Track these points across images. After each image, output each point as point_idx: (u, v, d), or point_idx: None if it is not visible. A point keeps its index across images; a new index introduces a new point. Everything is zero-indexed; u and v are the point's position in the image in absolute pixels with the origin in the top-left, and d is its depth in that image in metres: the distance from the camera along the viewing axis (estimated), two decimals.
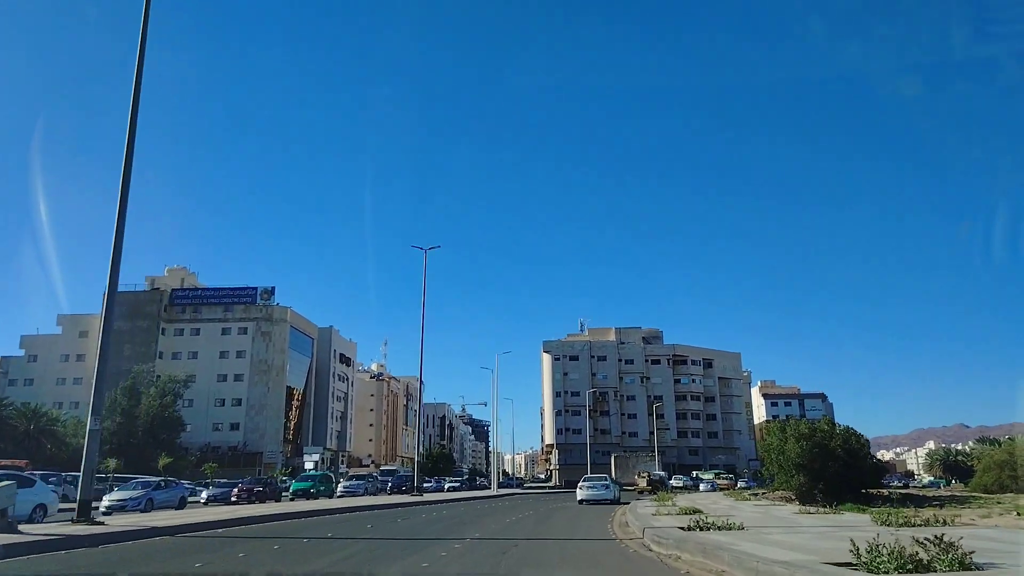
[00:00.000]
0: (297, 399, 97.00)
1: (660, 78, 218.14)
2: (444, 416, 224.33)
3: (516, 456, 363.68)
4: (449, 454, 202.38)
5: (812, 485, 53.01)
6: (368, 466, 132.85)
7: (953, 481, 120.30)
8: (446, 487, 63.22)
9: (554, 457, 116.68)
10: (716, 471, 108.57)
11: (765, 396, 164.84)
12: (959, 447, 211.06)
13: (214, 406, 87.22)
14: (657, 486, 62.91)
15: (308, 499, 36.97)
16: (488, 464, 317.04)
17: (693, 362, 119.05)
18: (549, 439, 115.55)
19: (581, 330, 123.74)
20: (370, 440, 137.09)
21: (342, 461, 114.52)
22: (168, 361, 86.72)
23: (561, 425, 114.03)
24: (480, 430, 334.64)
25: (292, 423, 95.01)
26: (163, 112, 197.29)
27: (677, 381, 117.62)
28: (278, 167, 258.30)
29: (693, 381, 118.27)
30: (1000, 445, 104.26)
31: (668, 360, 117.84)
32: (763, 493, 57.15)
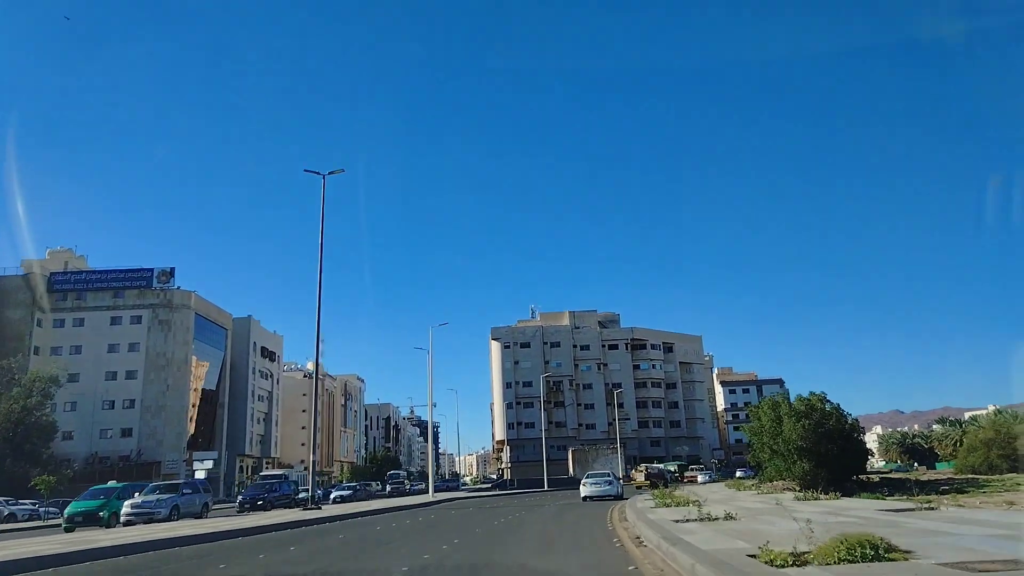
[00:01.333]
0: (208, 399, 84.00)
1: (613, 62, 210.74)
2: (389, 417, 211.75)
3: (468, 456, 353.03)
4: (395, 457, 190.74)
5: (816, 471, 43.81)
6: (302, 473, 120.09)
7: (915, 465, 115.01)
8: (332, 497, 52.33)
9: (505, 454, 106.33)
10: (679, 462, 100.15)
11: (723, 383, 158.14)
12: (904, 430, 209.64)
13: (102, 409, 73.70)
14: (656, 480, 57.60)
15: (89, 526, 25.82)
16: (439, 466, 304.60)
17: (653, 346, 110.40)
18: (500, 435, 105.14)
19: (533, 316, 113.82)
20: (302, 444, 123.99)
21: (268, 468, 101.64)
22: (46, 357, 72.75)
23: (512, 419, 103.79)
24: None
25: (201, 427, 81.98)
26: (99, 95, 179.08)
27: (636, 367, 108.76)
28: (212, 150, 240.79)
29: (653, 367, 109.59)
30: (975, 423, 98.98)
31: (626, 345, 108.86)
32: (753, 484, 48.01)
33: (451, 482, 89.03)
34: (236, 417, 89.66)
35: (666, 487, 41.70)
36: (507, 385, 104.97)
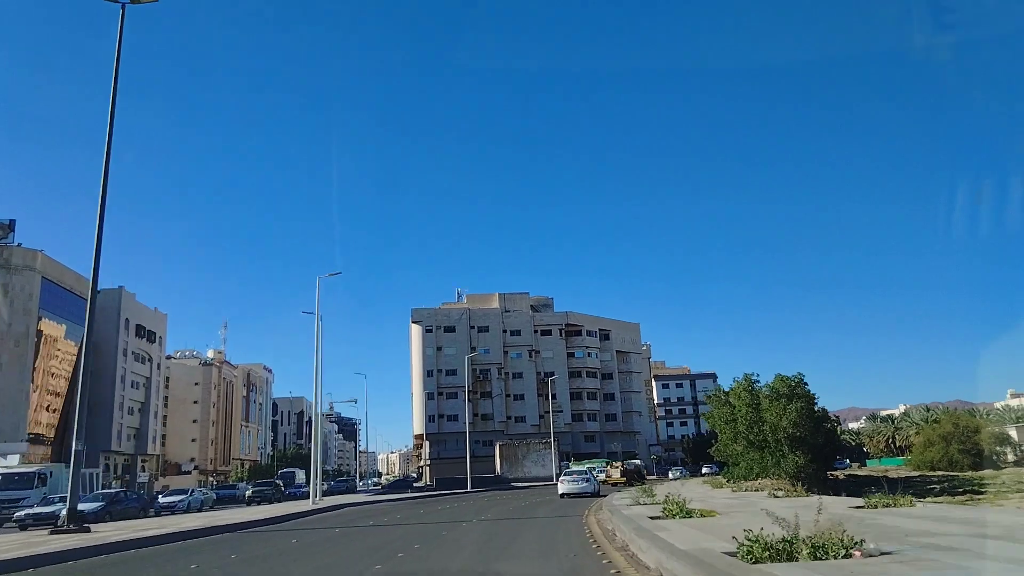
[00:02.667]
0: (61, 383, 69.25)
1: (560, 49, 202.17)
2: (303, 412, 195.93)
3: (391, 454, 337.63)
4: (307, 455, 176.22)
5: (814, 466, 34.90)
6: (189, 472, 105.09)
7: (847, 462, 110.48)
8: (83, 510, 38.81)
9: (424, 451, 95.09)
10: (612, 459, 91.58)
11: (656, 378, 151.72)
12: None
13: None
14: (633, 477, 54.44)
15: None
16: (360, 464, 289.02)
17: (589, 333, 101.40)
18: (418, 428, 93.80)
19: (460, 300, 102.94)
20: (193, 440, 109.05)
21: (143, 467, 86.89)
22: None
23: (433, 411, 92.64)
24: (349, 428, 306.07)
25: (52, 417, 67.25)
26: None
27: (571, 355, 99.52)
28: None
29: (589, 355, 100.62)
30: (927, 421, 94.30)
31: (560, 330, 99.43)
32: (728, 482, 38.84)
33: (344, 483, 76.67)
34: (101, 406, 74.85)
35: (642, 483, 40.94)
36: (428, 373, 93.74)
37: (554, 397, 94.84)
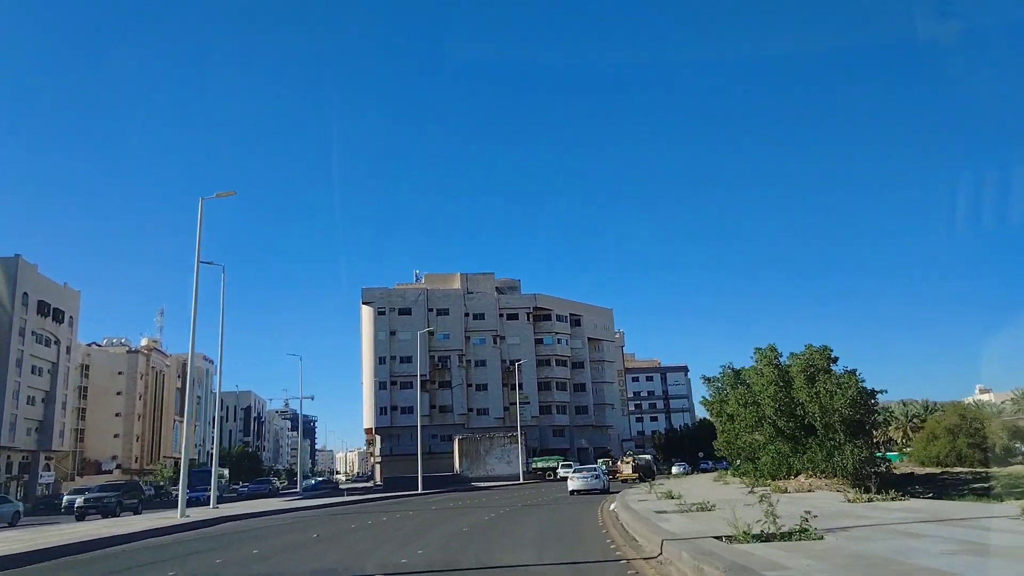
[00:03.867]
0: None
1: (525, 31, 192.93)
2: (251, 408, 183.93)
3: (350, 453, 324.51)
4: (254, 453, 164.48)
5: (869, 461, 26.32)
6: (111, 471, 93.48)
7: None
8: None
9: (376, 446, 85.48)
10: (582, 456, 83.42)
11: (625, 371, 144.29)
12: None
13: None
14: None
15: None
16: (314, 463, 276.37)
17: (558, 317, 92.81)
18: (369, 422, 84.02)
19: (418, 281, 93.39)
20: (116, 436, 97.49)
21: (48, 465, 75.53)
22: None
23: (386, 402, 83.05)
24: (306, 425, 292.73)
25: None
26: None
27: (539, 341, 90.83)
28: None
29: (559, 341, 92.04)
30: (928, 411, 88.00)
31: (528, 314, 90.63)
32: (747, 480, 30.40)
33: (264, 484, 64.10)
34: None
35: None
36: (380, 360, 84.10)
37: (520, 387, 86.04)
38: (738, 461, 35.39)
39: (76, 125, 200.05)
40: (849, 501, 17.05)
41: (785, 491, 22.32)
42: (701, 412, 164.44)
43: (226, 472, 63.81)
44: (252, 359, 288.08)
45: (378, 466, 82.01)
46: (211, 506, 32.29)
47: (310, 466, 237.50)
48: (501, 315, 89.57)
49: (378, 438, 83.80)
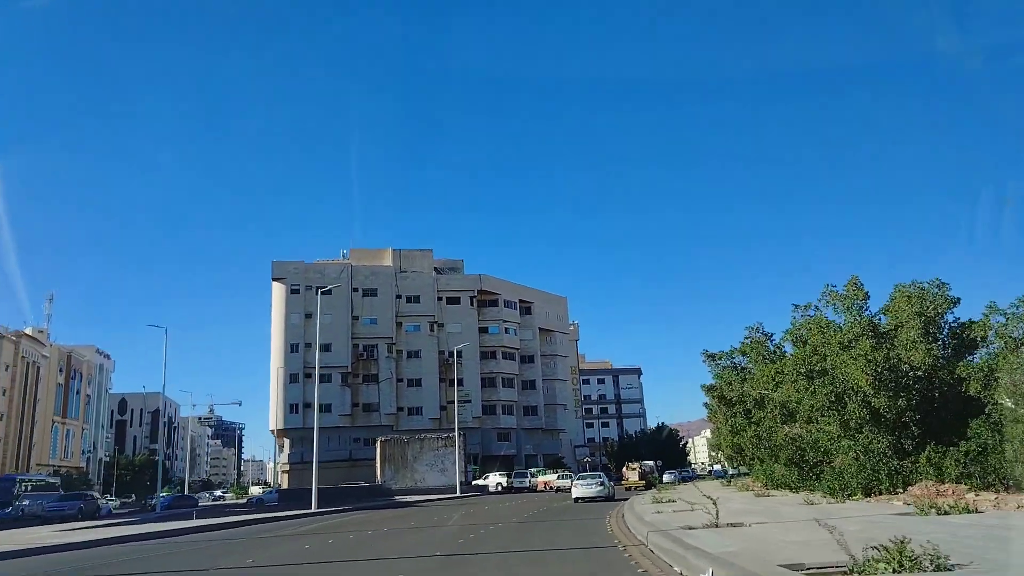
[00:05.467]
0: None
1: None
2: (159, 411, 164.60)
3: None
4: (162, 462, 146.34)
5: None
6: None
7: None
8: None
9: (286, 451, 71.37)
10: (530, 463, 71.59)
11: (579, 370, 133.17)
12: None
13: None
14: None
15: None
16: (241, 474, 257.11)
17: (507, 304, 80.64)
18: (278, 422, 69.73)
19: (344, 259, 79.75)
20: None
21: None
22: None
23: (297, 398, 69.21)
24: (228, 433, 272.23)
25: None
26: None
27: (483, 331, 78.44)
28: None
29: (506, 331, 79.83)
30: None
31: (472, 299, 78.15)
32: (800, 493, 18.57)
33: (75, 502, 40.39)
34: None
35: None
36: (292, 348, 70.26)
37: (461, 383, 73.50)
38: (761, 464, 24.07)
39: None
40: None
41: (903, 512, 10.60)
42: (654, 418, 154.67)
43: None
44: (176, 361, 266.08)
45: (286, 475, 67.93)
46: None
47: (235, 478, 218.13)
48: (440, 298, 76.82)
49: (286, 442, 69.77)
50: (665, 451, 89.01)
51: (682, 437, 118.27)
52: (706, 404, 36.17)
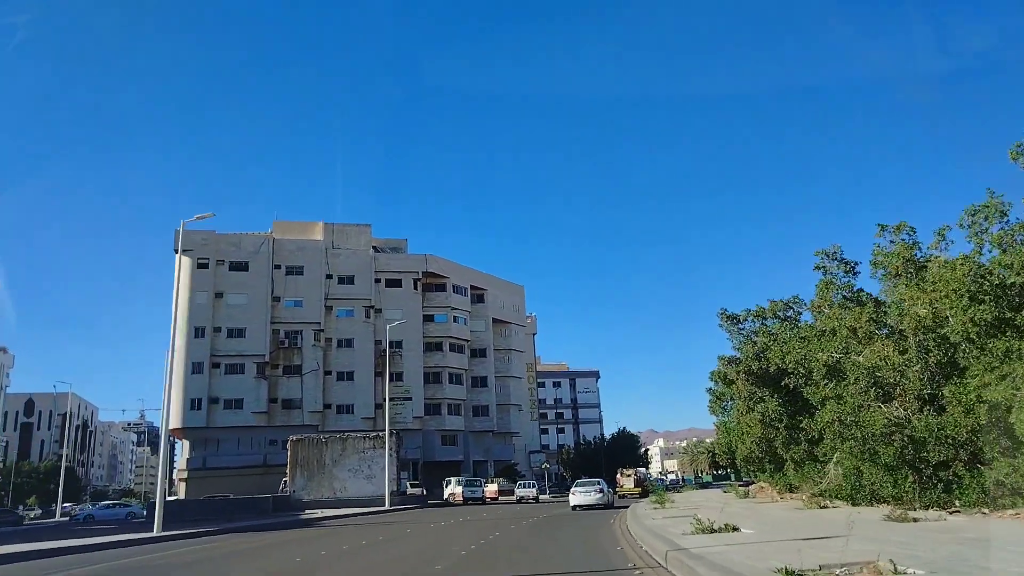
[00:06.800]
0: None
1: None
2: (69, 413, 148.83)
3: None
4: (69, 468, 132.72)
5: None
6: None
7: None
8: None
9: (183, 455, 60.00)
10: (479, 472, 62.24)
11: (536, 372, 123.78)
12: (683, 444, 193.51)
13: None
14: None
15: None
16: (173, 483, 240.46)
17: (456, 289, 70.90)
18: (177, 420, 58.13)
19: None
20: None
21: None
22: None
23: (201, 391, 58.05)
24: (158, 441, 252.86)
25: None
26: None
27: (429, 319, 68.48)
28: None
29: (455, 320, 70.02)
30: None
31: (416, 282, 68.15)
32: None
33: None
34: None
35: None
36: (197, 332, 59.10)
37: (400, 377, 63.57)
38: (813, 465, 15.26)
39: None
40: None
41: None
42: (611, 424, 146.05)
43: None
44: (106, 366, 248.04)
45: (184, 484, 56.52)
46: None
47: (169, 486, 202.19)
48: (378, 280, 66.60)
49: (186, 444, 58.41)
50: (625, 459, 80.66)
51: (641, 444, 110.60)
52: (711, 390, 27.45)
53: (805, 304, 22.62)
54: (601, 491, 32.04)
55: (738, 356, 24.83)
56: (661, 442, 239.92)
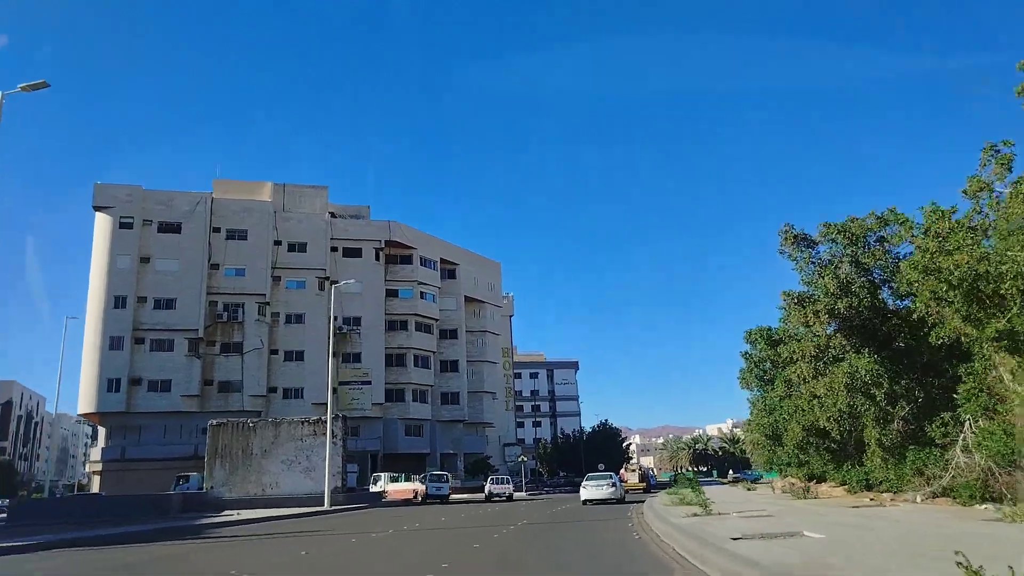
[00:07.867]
0: None
1: None
2: (11, 402, 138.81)
3: None
4: (8, 463, 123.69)
5: None
6: None
7: (736, 472, 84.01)
8: None
9: (100, 442, 51.78)
10: (447, 465, 55.01)
11: (513, 361, 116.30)
12: (687, 438, 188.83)
13: None
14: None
15: None
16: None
17: (425, 262, 63.29)
18: (90, 403, 49.72)
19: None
20: None
21: None
22: None
23: (121, 371, 49.84)
24: None
25: None
26: None
27: (392, 294, 60.84)
28: None
29: (422, 296, 62.41)
30: None
31: (377, 251, 60.45)
32: None
33: None
34: None
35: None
36: (117, 301, 50.82)
37: (359, 359, 56.07)
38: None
39: None
40: None
41: None
42: (591, 418, 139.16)
43: None
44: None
45: (100, 477, 48.32)
46: None
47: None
48: (335, 249, 58.76)
49: (102, 431, 50.17)
50: (608, 454, 73.96)
51: (624, 438, 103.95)
52: (746, 354, 20.36)
53: (912, 220, 15.72)
54: (613, 485, 31.35)
55: (812, 292, 17.77)
56: (637, 438, 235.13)
